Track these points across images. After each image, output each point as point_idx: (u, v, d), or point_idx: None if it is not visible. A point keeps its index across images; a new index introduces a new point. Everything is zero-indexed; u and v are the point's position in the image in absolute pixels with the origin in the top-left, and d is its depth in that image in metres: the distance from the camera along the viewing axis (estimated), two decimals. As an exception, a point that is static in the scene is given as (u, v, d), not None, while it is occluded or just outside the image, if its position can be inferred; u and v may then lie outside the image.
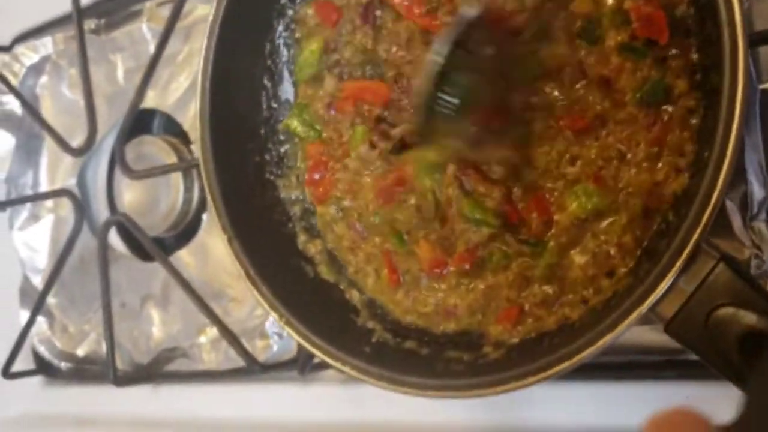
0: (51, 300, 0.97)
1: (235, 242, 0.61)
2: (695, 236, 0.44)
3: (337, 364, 0.56)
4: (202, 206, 0.87)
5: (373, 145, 0.61)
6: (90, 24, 0.92)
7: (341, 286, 0.64)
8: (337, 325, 0.61)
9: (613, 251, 0.53)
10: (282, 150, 0.68)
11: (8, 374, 0.94)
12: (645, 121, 0.52)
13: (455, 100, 0.51)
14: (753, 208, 0.55)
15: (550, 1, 0.55)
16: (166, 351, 0.88)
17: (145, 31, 0.90)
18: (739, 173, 0.54)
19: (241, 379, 0.81)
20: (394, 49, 0.63)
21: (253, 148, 0.67)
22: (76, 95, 0.96)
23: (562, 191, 0.56)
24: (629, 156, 0.53)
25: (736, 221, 0.55)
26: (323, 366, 0.73)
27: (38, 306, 0.94)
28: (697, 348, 0.46)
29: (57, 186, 0.97)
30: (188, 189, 0.86)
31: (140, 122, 0.89)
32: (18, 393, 0.98)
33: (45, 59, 0.98)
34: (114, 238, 0.92)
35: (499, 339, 0.58)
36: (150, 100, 0.88)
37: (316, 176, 0.66)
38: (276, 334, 0.78)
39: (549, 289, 0.56)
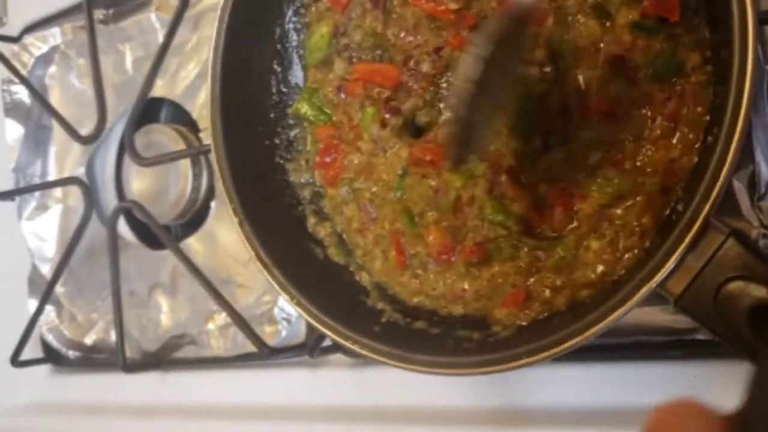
0: (59, 289, 0.97)
1: (246, 225, 0.62)
2: (705, 211, 0.45)
3: (347, 343, 0.57)
4: (210, 194, 0.88)
5: (384, 124, 0.62)
6: (99, 14, 0.93)
7: (351, 268, 0.65)
8: (347, 306, 0.61)
9: (631, 234, 0.53)
10: (292, 134, 0.68)
11: (17, 363, 0.95)
12: (660, 96, 0.53)
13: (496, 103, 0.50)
14: (761, 188, 0.55)
15: None
16: (175, 338, 0.88)
17: (153, 20, 0.90)
18: (746, 154, 0.55)
19: (249, 364, 0.82)
20: (402, 33, 0.63)
21: (263, 133, 0.67)
22: (85, 85, 0.96)
23: (584, 180, 0.56)
24: (646, 133, 0.53)
25: (744, 201, 0.56)
26: (332, 350, 0.74)
27: (46, 295, 0.95)
28: (707, 322, 0.46)
29: (65, 175, 0.98)
30: (197, 177, 0.87)
31: (148, 111, 0.90)
32: (27, 381, 0.98)
33: (54, 49, 0.98)
34: (122, 227, 0.92)
35: (505, 321, 0.58)
36: (158, 89, 0.89)
37: (327, 159, 0.66)
38: (284, 319, 0.79)
39: (557, 278, 0.56)
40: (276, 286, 0.60)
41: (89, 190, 0.94)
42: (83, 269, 0.96)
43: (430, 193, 0.60)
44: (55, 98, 0.98)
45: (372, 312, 0.61)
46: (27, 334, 0.94)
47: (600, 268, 0.55)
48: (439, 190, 0.60)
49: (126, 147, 0.85)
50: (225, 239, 0.85)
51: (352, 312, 0.61)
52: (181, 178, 0.87)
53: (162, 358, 0.88)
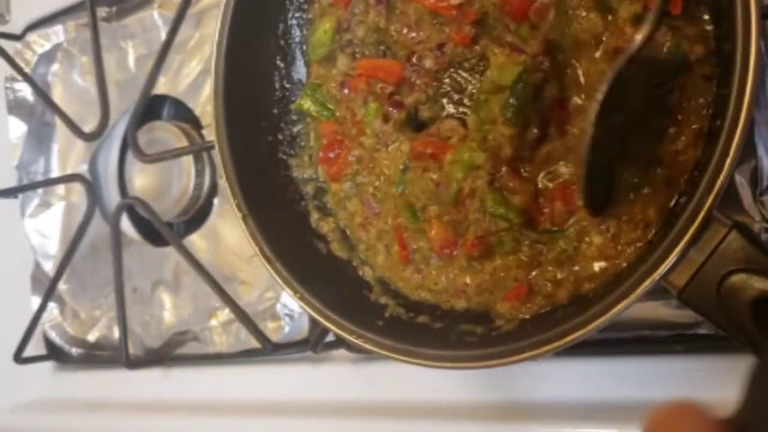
0: (62, 286, 0.97)
1: (250, 220, 0.62)
2: (708, 203, 0.45)
3: (351, 338, 0.57)
4: (213, 191, 0.88)
5: (386, 119, 0.62)
6: (102, 11, 0.93)
7: (354, 263, 0.65)
8: (351, 301, 0.62)
9: (635, 228, 0.53)
10: (295, 130, 0.68)
11: (20, 359, 0.95)
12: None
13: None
14: (763, 183, 0.56)
15: None
16: (177, 335, 0.88)
17: (156, 17, 0.90)
18: (748, 149, 0.55)
19: (252, 360, 0.82)
20: (405, 29, 0.63)
21: (266, 128, 0.67)
22: (88, 82, 0.97)
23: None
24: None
25: (746, 196, 0.56)
26: (334, 345, 0.74)
27: (49, 292, 0.95)
28: (710, 315, 0.46)
29: (68, 172, 0.98)
30: (199, 173, 0.87)
31: (151, 109, 0.90)
32: (30, 378, 0.99)
33: (57, 47, 0.99)
34: (125, 224, 0.92)
35: (507, 315, 0.58)
36: (161, 87, 0.89)
37: (331, 155, 0.66)
38: (287, 315, 0.79)
39: (559, 271, 0.56)
40: (279, 281, 0.60)
41: (92, 187, 0.94)
42: (86, 266, 0.97)
43: (432, 186, 0.60)
44: (58, 96, 0.99)
45: (375, 307, 0.62)
46: (30, 331, 0.95)
47: (602, 263, 0.54)
48: (440, 183, 0.60)
49: (129, 144, 0.85)
50: (228, 236, 0.85)
51: (356, 307, 0.61)
52: (184, 175, 0.87)
53: (165, 355, 0.89)
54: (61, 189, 0.99)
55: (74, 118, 0.93)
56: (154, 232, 0.90)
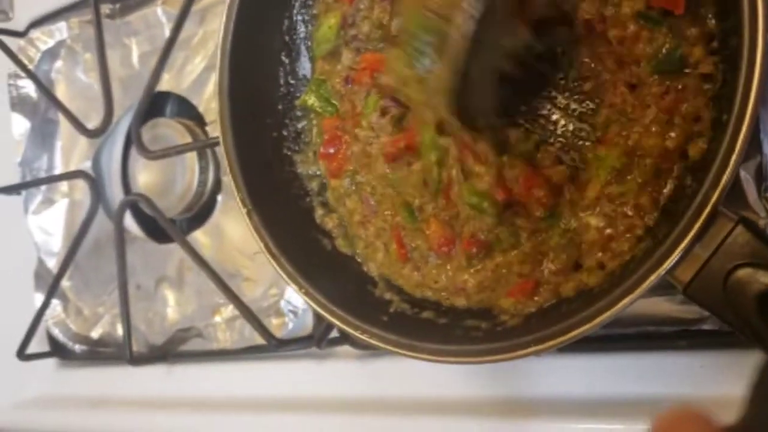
0: (65, 283, 0.97)
1: (254, 215, 0.62)
2: (714, 198, 0.45)
3: (356, 333, 0.57)
4: (217, 187, 0.88)
5: (384, 113, 0.62)
6: (105, 8, 0.93)
7: (359, 259, 0.65)
8: (355, 296, 0.62)
9: (629, 211, 0.54)
10: (299, 126, 0.68)
11: (23, 356, 0.95)
12: (658, 90, 0.53)
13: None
14: (768, 179, 0.56)
15: None
16: (181, 331, 0.88)
17: (160, 14, 0.90)
18: (753, 145, 0.55)
19: (256, 357, 0.82)
20: None
21: (271, 124, 0.67)
22: (91, 79, 0.97)
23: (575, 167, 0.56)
24: (633, 114, 0.54)
25: (751, 192, 0.56)
26: (339, 341, 0.74)
27: (53, 289, 0.95)
28: (716, 309, 0.46)
29: (72, 169, 0.98)
30: (203, 170, 0.87)
31: (154, 105, 0.90)
32: (33, 375, 0.99)
33: (60, 44, 0.99)
34: (128, 221, 0.92)
35: (512, 311, 0.58)
36: (165, 83, 0.89)
37: (331, 150, 0.66)
38: (291, 312, 0.79)
39: (565, 258, 0.56)
40: (284, 276, 0.61)
41: (96, 183, 0.94)
42: (89, 263, 0.97)
43: (420, 180, 0.60)
44: (61, 92, 0.99)
45: (380, 302, 0.62)
46: (33, 328, 0.95)
47: (606, 253, 0.54)
48: (426, 177, 0.60)
49: (133, 140, 0.85)
50: (231, 233, 0.86)
51: (361, 302, 0.61)
52: (188, 171, 0.87)
53: (168, 352, 0.89)
54: (64, 186, 0.99)
55: (78, 114, 0.93)
56: (157, 228, 0.90)
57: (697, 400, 0.58)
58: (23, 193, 1.00)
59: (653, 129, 0.53)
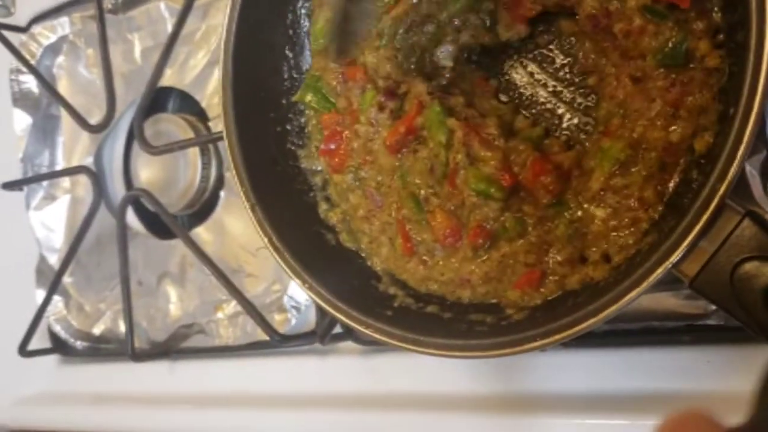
0: (67, 279, 0.97)
1: (258, 210, 0.62)
2: (721, 190, 0.45)
3: (361, 328, 0.57)
4: (219, 183, 0.88)
5: (381, 107, 0.62)
6: (108, 3, 0.93)
7: (362, 254, 0.65)
8: (359, 291, 0.61)
9: (634, 203, 0.53)
10: (303, 120, 0.68)
11: (25, 353, 0.95)
12: (663, 83, 0.53)
13: None
14: (773, 174, 0.56)
15: None
16: (183, 327, 0.88)
17: (162, 9, 0.90)
18: (759, 140, 0.55)
19: (258, 353, 0.82)
20: None
21: (275, 119, 0.67)
22: (94, 75, 0.97)
23: (584, 153, 0.56)
24: (637, 107, 0.54)
25: (757, 187, 0.56)
26: (342, 337, 0.74)
27: (54, 285, 0.95)
28: (722, 303, 0.46)
29: (74, 165, 0.98)
30: (206, 166, 0.87)
31: (157, 101, 0.90)
32: (34, 371, 0.98)
33: (62, 39, 0.99)
34: (130, 217, 0.92)
35: (519, 303, 0.58)
36: (167, 79, 0.89)
37: (332, 146, 0.66)
38: (293, 307, 0.79)
39: (571, 248, 0.56)
40: (288, 271, 0.60)
41: (98, 179, 0.94)
42: (91, 259, 0.96)
43: (427, 167, 0.60)
44: (63, 88, 0.99)
45: (384, 297, 0.61)
46: (35, 324, 0.95)
47: (612, 245, 0.54)
48: (432, 164, 0.60)
49: (135, 136, 0.85)
50: (234, 229, 0.85)
51: (365, 297, 0.61)
52: (190, 167, 0.87)
53: (171, 348, 0.88)
54: (66, 181, 0.99)
55: (80, 110, 0.92)
56: (159, 224, 0.89)
57: (703, 395, 0.58)
58: (25, 188, 1.00)
59: (658, 122, 0.53)
